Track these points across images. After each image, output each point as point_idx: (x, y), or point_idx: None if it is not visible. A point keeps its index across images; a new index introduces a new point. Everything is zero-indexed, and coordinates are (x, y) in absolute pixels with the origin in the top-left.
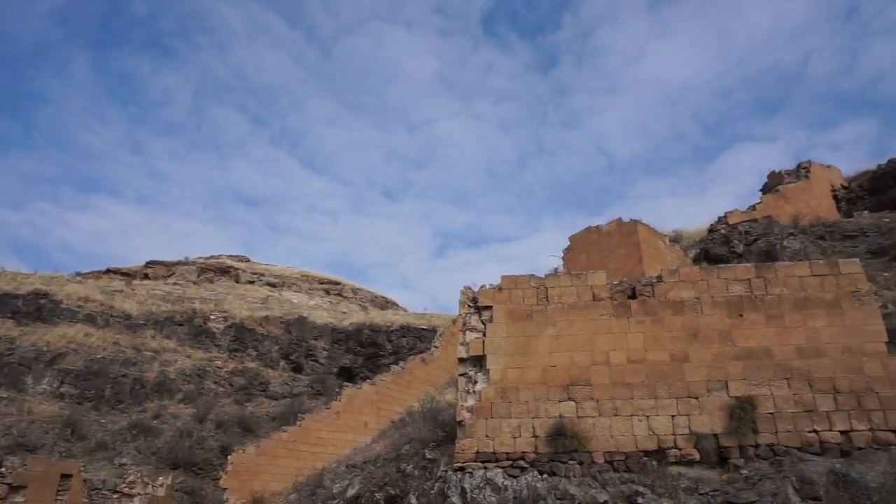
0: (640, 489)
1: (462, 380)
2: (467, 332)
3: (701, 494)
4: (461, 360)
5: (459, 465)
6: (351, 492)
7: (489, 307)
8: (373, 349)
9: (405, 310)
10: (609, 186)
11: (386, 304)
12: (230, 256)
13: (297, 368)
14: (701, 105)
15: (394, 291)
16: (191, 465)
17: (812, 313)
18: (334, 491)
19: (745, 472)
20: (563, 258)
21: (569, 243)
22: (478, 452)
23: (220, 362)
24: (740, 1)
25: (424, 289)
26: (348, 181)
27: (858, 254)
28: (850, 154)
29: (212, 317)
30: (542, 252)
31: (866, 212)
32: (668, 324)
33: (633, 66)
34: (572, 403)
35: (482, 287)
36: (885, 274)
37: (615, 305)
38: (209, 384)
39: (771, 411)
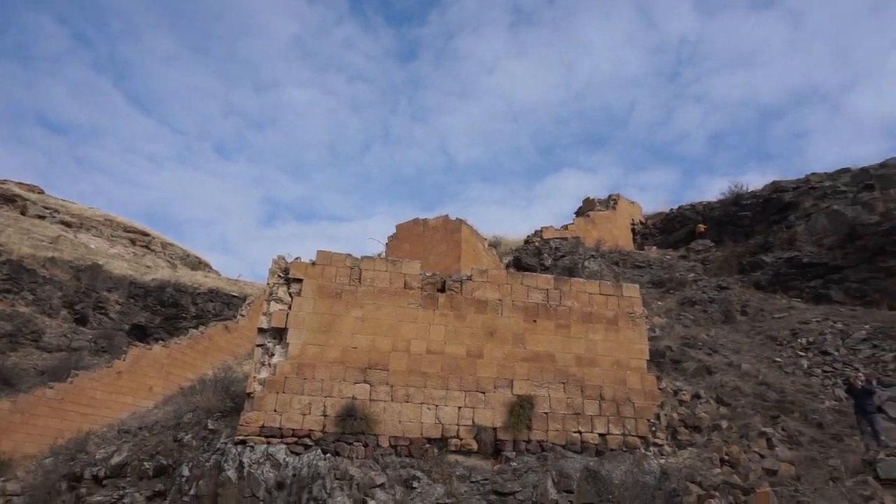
0: (418, 474)
1: (259, 351)
2: (272, 303)
3: (472, 482)
4: (261, 331)
5: (241, 437)
6: (117, 459)
7: (300, 280)
8: (174, 310)
9: (218, 273)
10: (444, 185)
11: (198, 264)
12: (19, 184)
13: (82, 320)
14: (540, 126)
15: (211, 253)
16: None
17: (594, 327)
18: (97, 457)
19: (514, 464)
20: (386, 244)
21: (395, 231)
22: (263, 426)
23: None
24: (588, 42)
25: (245, 255)
26: (178, 128)
27: (642, 282)
28: (652, 196)
29: None
30: (373, 236)
31: (655, 247)
32: (469, 320)
33: (486, 76)
34: (367, 386)
35: (296, 259)
36: (659, 302)
37: (424, 296)
38: None
39: (546, 411)
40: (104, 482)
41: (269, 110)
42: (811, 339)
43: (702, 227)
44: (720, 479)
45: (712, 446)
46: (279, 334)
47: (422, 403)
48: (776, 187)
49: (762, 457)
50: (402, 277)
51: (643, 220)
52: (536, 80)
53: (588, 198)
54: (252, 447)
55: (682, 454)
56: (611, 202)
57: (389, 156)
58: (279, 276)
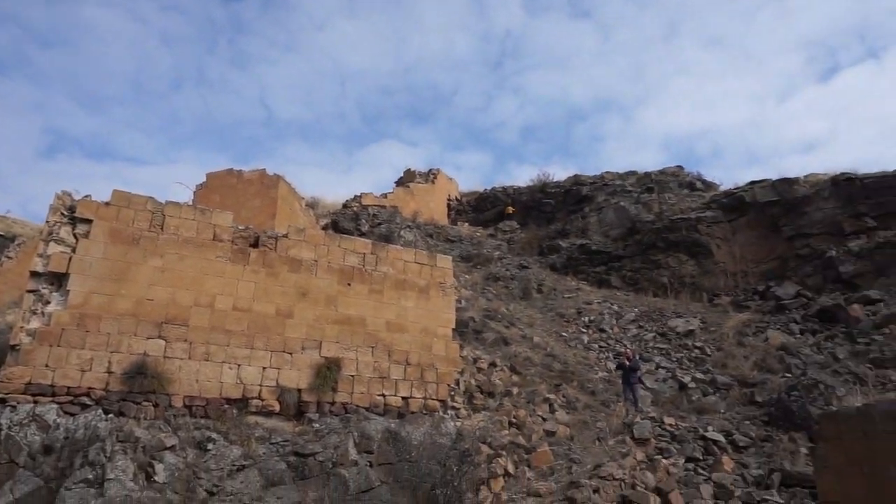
0: (214, 436)
1: (31, 297)
2: (51, 244)
3: (272, 444)
4: (35, 275)
5: (1, 396)
6: None
7: (89, 221)
8: None
9: None
10: (262, 140)
11: None
12: None
13: None
14: (366, 94)
15: None
16: None
17: (406, 294)
18: None
19: (317, 425)
20: (195, 192)
21: (205, 180)
22: (30, 384)
23: None
24: (421, 17)
25: (17, 190)
26: None
27: (453, 255)
28: (467, 176)
29: None
30: (181, 181)
31: (467, 224)
32: (282, 279)
33: (316, 32)
34: (162, 342)
35: (86, 197)
36: (466, 276)
37: (235, 250)
38: None
39: (353, 374)
40: None
41: (60, 26)
42: (592, 318)
43: (510, 209)
44: (507, 440)
45: (503, 410)
46: (58, 280)
47: (223, 362)
48: (576, 181)
49: (544, 420)
50: (212, 228)
51: (458, 197)
52: (368, 47)
53: (409, 169)
54: (14, 407)
55: (476, 417)
56: (430, 176)
57: (203, 99)
58: (62, 213)
